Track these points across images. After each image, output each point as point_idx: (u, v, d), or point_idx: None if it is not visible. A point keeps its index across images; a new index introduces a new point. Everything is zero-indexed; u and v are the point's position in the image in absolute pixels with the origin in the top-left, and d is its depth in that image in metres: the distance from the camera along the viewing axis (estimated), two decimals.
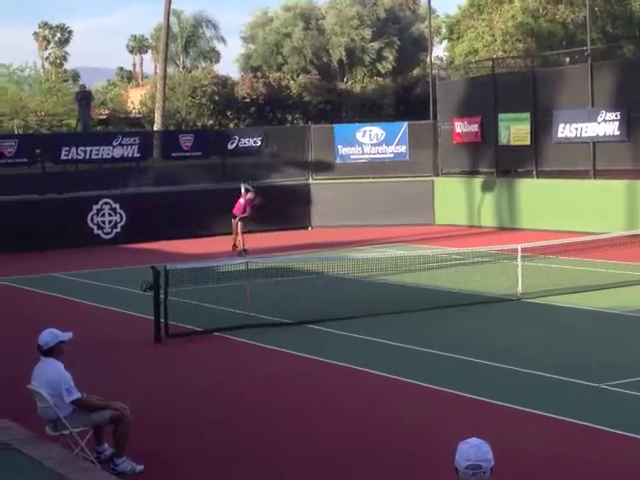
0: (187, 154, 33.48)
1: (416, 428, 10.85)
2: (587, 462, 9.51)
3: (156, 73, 61.17)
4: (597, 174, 29.16)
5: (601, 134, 28.77)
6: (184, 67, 65.60)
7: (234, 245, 27.05)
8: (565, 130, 29.83)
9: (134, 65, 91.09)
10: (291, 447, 10.28)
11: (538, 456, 9.72)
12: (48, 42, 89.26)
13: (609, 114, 28.52)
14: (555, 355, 13.98)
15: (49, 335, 9.56)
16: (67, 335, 9.63)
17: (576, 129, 29.49)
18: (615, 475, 9.18)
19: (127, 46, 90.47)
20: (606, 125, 28.61)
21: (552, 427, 10.67)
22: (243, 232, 27.31)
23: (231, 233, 27.68)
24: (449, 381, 12.57)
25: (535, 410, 11.17)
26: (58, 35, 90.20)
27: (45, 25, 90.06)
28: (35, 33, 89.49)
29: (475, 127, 32.76)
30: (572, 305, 17.68)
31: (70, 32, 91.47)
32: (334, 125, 37.38)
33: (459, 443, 5.53)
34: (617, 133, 28.33)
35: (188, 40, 66.81)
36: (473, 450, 5.43)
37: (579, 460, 9.57)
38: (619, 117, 28.24)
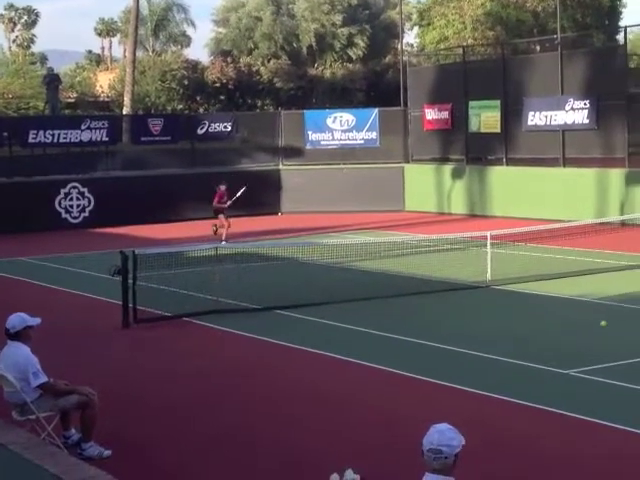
0: (156, 138, 33.29)
1: (390, 414, 10.84)
2: (555, 448, 9.54)
3: (125, 57, 60.76)
4: (567, 162, 29.28)
5: (570, 122, 28.87)
6: (154, 51, 65.13)
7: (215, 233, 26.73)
8: (535, 118, 29.91)
9: (103, 48, 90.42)
10: (260, 430, 10.24)
11: (507, 442, 9.74)
12: (15, 24, 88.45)
13: (579, 102, 28.62)
14: (523, 342, 14.02)
15: (17, 319, 9.48)
16: (35, 320, 9.56)
17: (546, 117, 29.58)
18: (582, 461, 9.22)
19: (95, 29, 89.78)
20: (575, 113, 28.71)
21: (521, 413, 10.71)
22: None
23: (211, 218, 27.36)
24: (417, 367, 12.58)
25: (504, 396, 11.19)
26: (25, 17, 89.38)
27: (11, 7, 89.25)
28: (1, 15, 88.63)
29: (446, 114, 32.79)
30: (540, 292, 17.74)
31: (37, 14, 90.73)
32: (304, 111, 37.29)
33: (431, 427, 5.53)
34: (586, 121, 28.43)
35: (158, 23, 66.32)
36: (437, 435, 5.45)
37: (548, 446, 9.60)
38: (588, 105, 28.34)
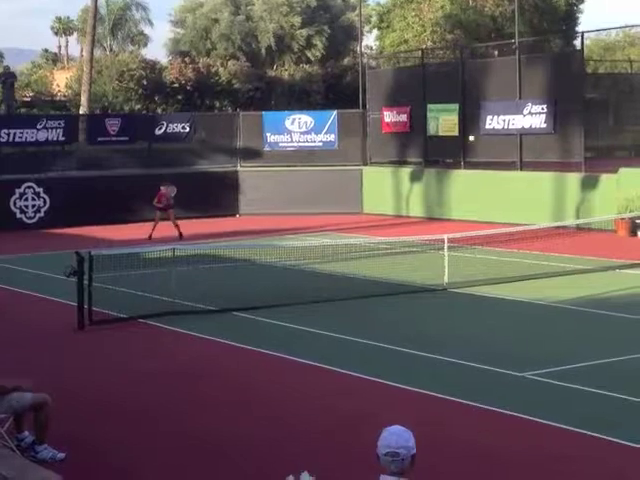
0: (113, 139, 33.05)
1: (344, 416, 10.81)
2: (512, 451, 9.57)
3: (82, 56, 60.29)
4: (524, 166, 29.47)
5: (528, 126, 29.07)
6: (111, 50, 64.75)
7: (150, 236, 26.96)
8: (493, 122, 30.08)
9: (59, 47, 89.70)
10: (217, 431, 10.17)
11: (463, 445, 9.76)
12: None
13: (536, 106, 28.82)
14: (480, 345, 14.07)
15: None
16: None
17: (504, 121, 29.75)
18: (538, 463, 9.25)
19: (52, 28, 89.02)
20: (533, 117, 28.92)
21: (477, 416, 10.73)
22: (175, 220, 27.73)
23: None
24: (375, 370, 12.57)
25: (460, 399, 11.22)
26: None
27: None
28: None
29: (404, 117, 32.88)
30: (497, 295, 17.82)
31: None
32: (263, 112, 37.21)
33: (383, 430, 5.50)
34: (544, 125, 28.64)
35: (116, 23, 65.96)
36: (394, 437, 5.40)
37: (504, 449, 9.63)
38: (546, 110, 28.55)
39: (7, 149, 31.77)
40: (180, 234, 27.01)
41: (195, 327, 15.41)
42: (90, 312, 15.61)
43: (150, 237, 26.57)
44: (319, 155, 34.47)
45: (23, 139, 31.46)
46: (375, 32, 56.91)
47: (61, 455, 9.34)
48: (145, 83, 53.99)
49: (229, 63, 55.13)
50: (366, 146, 34.51)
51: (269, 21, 56.92)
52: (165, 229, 27.09)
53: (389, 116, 33.39)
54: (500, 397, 11.32)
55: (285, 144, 34.66)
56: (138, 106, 53.95)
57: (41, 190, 30.92)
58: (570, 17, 53.83)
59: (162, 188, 27.81)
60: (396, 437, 5.40)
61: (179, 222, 27.56)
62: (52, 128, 31.82)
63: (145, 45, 71.00)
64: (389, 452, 5.36)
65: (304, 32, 57.22)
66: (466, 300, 17.72)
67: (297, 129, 34.63)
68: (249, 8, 58.51)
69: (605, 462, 9.25)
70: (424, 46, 44.67)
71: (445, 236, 19.39)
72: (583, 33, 30.26)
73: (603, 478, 8.96)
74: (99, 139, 33.17)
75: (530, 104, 28.98)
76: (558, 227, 25.40)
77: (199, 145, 35.00)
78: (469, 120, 30.83)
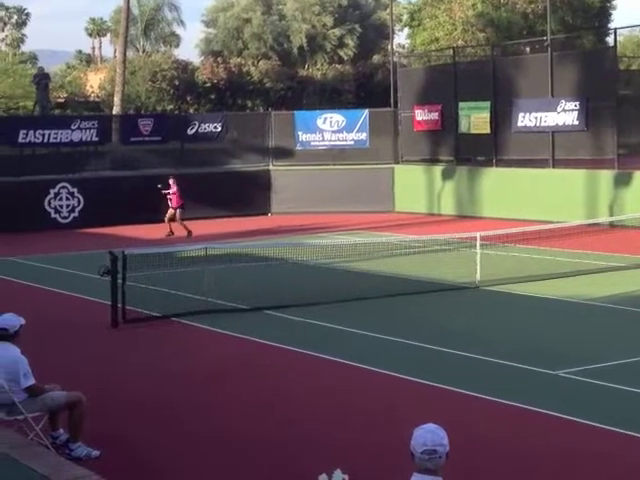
0: (146, 139, 33.22)
1: (375, 414, 10.84)
2: (542, 449, 9.55)
3: (115, 57, 60.62)
4: (556, 163, 29.33)
5: (560, 124, 28.93)
6: (144, 51, 65.04)
7: (171, 232, 27.58)
8: (525, 119, 29.96)
9: (93, 48, 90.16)
10: (249, 430, 10.23)
11: (495, 443, 9.75)
12: (5, 24, 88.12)
13: (568, 104, 28.68)
14: (512, 343, 14.04)
15: (14, 319, 9.48)
16: (21, 320, 9.56)
17: (536, 118, 29.63)
18: (569, 461, 9.23)
19: (86, 29, 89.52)
20: (565, 115, 28.77)
21: (510, 415, 10.72)
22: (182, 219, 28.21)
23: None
24: (408, 368, 12.58)
25: (492, 397, 11.20)
26: (15, 17, 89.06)
27: (1, 6, 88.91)
28: None
29: (435, 115, 32.82)
30: (530, 293, 17.76)
31: (28, 14, 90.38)
32: (295, 112, 37.27)
33: (415, 429, 5.52)
34: (576, 123, 28.50)
35: (148, 23, 66.25)
36: (429, 435, 5.43)
37: (535, 447, 9.61)
38: (578, 107, 28.40)
39: (42, 150, 32.02)
40: (172, 232, 27.60)
41: (227, 326, 15.48)
42: (124, 310, 15.73)
43: (190, 233, 27.04)
44: (351, 154, 34.47)
45: (57, 140, 31.69)
46: (406, 30, 56.83)
47: (96, 453, 9.41)
48: (177, 83, 54.23)
49: (261, 63, 55.24)
50: (397, 144, 34.48)
51: (301, 21, 56.96)
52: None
53: (420, 114, 33.34)
54: (533, 395, 11.29)
55: (317, 143, 34.69)
56: (170, 106, 54.21)
57: (75, 190, 31.15)
58: (603, 13, 53.46)
59: (171, 181, 28.23)
60: (432, 435, 5.43)
61: (208, 222, 28.00)
62: (86, 129, 32.04)
63: (177, 45, 71.29)
64: (426, 450, 5.39)
65: (336, 32, 57.21)
66: (499, 298, 17.68)
67: (329, 128, 34.65)
68: (280, 7, 58.59)
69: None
70: (455, 45, 44.51)
71: (477, 234, 19.35)
72: (616, 30, 30.06)
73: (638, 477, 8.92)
74: (132, 139, 33.36)
75: (563, 101, 28.83)
76: (591, 225, 25.27)
77: (231, 145, 35.09)
78: (501, 118, 30.72)
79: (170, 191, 28.12)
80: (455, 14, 49.97)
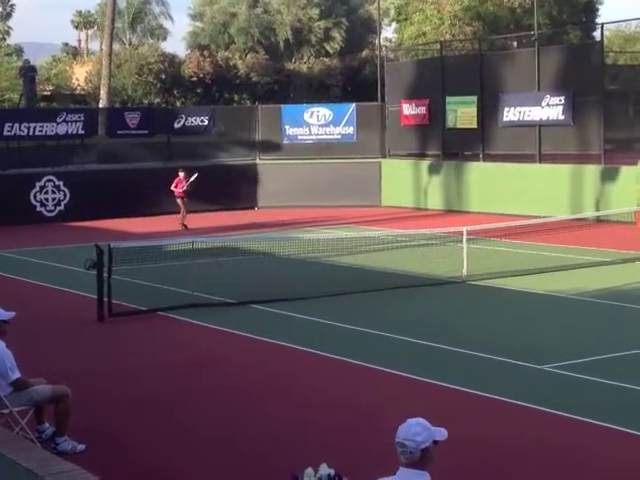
0: (133, 132, 33.13)
1: (362, 409, 10.84)
2: (529, 443, 9.57)
3: (102, 50, 60.42)
4: (542, 158, 29.37)
5: (546, 118, 28.95)
6: (130, 44, 64.86)
7: (183, 224, 27.75)
8: (510, 114, 29.98)
9: (79, 41, 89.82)
10: (234, 425, 10.22)
11: (481, 438, 9.76)
12: None
13: (554, 98, 28.70)
14: (499, 337, 14.06)
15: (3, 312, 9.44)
16: (9, 314, 9.51)
17: (522, 113, 29.65)
18: (555, 455, 9.25)
19: (72, 21, 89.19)
20: (551, 109, 28.80)
21: (495, 408, 10.73)
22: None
23: (177, 212, 28.24)
24: (394, 363, 12.58)
25: (478, 391, 11.22)
26: (0, 9, 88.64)
27: None
28: None
29: (423, 109, 32.82)
30: (516, 288, 17.79)
31: (12, 6, 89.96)
32: (281, 105, 37.23)
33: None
34: (562, 117, 28.52)
35: (135, 16, 66.06)
36: (403, 429, 5.47)
37: (521, 441, 9.63)
38: (564, 101, 28.43)
39: (27, 143, 31.87)
40: (185, 225, 27.56)
41: (213, 320, 15.46)
42: (110, 304, 15.69)
43: (186, 227, 27.16)
44: (338, 148, 34.45)
45: (43, 133, 31.56)
46: (394, 25, 56.84)
47: (81, 447, 9.39)
48: (164, 77, 54.12)
49: (247, 56, 55.17)
50: (385, 139, 34.47)
51: (287, 14, 56.88)
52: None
53: (408, 109, 33.33)
54: (519, 389, 11.32)
55: (304, 137, 34.66)
56: (157, 99, 54.11)
57: (61, 183, 31.04)
58: (590, 8, 53.62)
59: (180, 174, 28.33)
60: (406, 429, 5.46)
61: (195, 215, 28.10)
62: (72, 122, 31.92)
63: (164, 39, 71.06)
64: (397, 442, 5.44)
65: (322, 24, 57.12)
66: (485, 292, 17.71)
67: (316, 122, 34.61)
68: (267, 1, 58.51)
69: (625, 454, 9.24)
70: (442, 39, 44.54)
71: (464, 228, 19.37)
72: (603, 24, 30.13)
73: (623, 471, 8.94)
74: (118, 132, 33.27)
75: (549, 96, 28.86)
76: (577, 219, 25.32)
77: (218, 138, 35.04)
78: (487, 112, 30.74)
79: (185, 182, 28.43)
80: (443, 8, 50.00)
